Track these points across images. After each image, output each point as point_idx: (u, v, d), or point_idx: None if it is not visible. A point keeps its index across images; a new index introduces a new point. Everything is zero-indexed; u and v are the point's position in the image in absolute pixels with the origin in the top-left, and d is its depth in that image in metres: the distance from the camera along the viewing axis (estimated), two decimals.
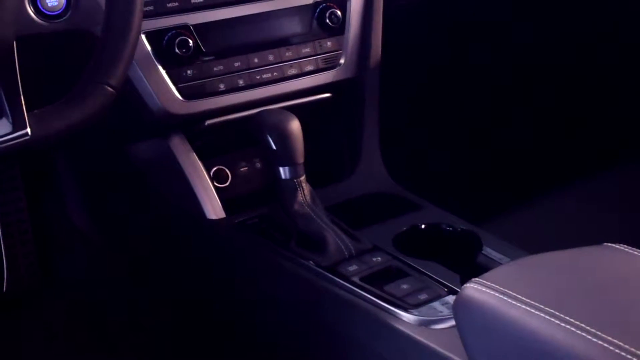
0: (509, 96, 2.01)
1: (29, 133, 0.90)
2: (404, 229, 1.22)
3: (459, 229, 1.23)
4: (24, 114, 0.90)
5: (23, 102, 0.90)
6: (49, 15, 1.07)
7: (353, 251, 1.14)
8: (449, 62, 1.96)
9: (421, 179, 1.43)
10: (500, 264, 1.13)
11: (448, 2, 1.81)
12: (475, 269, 1.13)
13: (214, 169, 1.29)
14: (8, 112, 0.90)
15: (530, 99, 2.01)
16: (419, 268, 1.12)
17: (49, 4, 1.07)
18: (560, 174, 1.70)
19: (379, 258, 1.14)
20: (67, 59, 1.15)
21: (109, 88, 0.95)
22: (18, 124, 0.90)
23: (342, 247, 1.14)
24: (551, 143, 1.96)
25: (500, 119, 2.00)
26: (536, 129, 1.99)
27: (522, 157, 1.95)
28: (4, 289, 1.52)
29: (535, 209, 1.51)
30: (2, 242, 1.50)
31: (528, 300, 0.79)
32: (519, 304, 0.79)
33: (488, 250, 1.17)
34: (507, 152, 1.96)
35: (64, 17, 1.08)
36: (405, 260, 1.14)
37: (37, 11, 1.06)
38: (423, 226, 1.24)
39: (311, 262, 1.13)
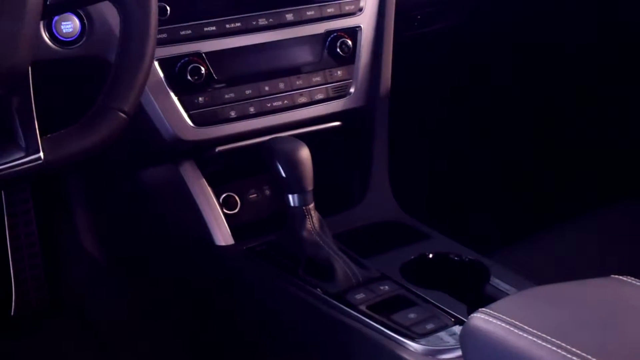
0: (519, 128, 2.01)
1: (42, 157, 0.91)
2: (412, 258, 1.22)
3: (467, 259, 1.23)
4: (37, 138, 0.91)
5: (37, 126, 0.91)
6: (63, 41, 1.09)
7: (361, 279, 1.14)
8: (459, 92, 1.97)
9: (430, 208, 1.43)
10: (507, 294, 1.13)
11: (458, 33, 1.82)
12: (482, 299, 1.13)
13: (224, 195, 1.30)
14: (22, 136, 0.90)
15: (540, 131, 2.01)
16: (426, 297, 1.12)
17: (64, 30, 1.08)
18: (569, 205, 1.70)
19: (387, 287, 1.14)
20: (80, 84, 1.16)
21: (122, 114, 0.96)
22: (31, 148, 0.90)
23: (350, 275, 1.14)
24: (561, 175, 1.96)
25: (509, 151, 2.01)
26: (546, 161, 1.99)
27: (530, 189, 1.96)
28: (12, 311, 1.52)
29: (543, 241, 1.51)
30: (11, 265, 1.50)
31: (535, 331, 0.79)
32: (526, 335, 0.79)
33: (495, 281, 1.17)
34: (516, 183, 1.96)
35: (79, 44, 1.10)
36: (413, 290, 1.14)
37: (52, 37, 1.08)
38: (431, 255, 1.24)
39: (319, 289, 1.14)
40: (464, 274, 1.22)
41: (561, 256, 1.45)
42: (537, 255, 1.44)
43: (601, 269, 0.95)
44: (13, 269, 1.50)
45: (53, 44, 1.08)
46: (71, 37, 1.09)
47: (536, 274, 1.14)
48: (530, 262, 1.37)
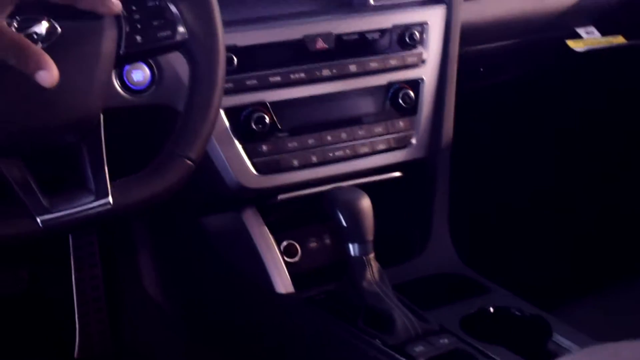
0: (583, 181, 1.99)
1: (111, 202, 0.93)
2: (472, 311, 1.21)
3: (529, 314, 1.21)
4: (107, 184, 0.93)
5: (107, 172, 0.94)
6: (134, 89, 1.11)
7: (420, 331, 1.13)
8: (521, 144, 1.96)
9: (491, 261, 1.42)
10: (569, 352, 1.11)
11: (522, 85, 1.82)
12: (543, 356, 1.11)
13: (285, 243, 1.30)
14: (92, 181, 0.93)
15: (606, 184, 1.98)
16: (487, 352, 1.11)
17: (135, 79, 1.11)
18: (634, 261, 1.66)
19: (446, 340, 1.13)
20: (148, 131, 1.19)
21: (189, 161, 0.98)
22: (101, 193, 0.92)
23: (409, 326, 1.13)
24: (628, 229, 1.92)
25: (572, 203, 1.98)
26: (611, 213, 1.96)
27: (595, 242, 1.92)
28: (75, 355, 1.54)
29: (608, 297, 1.48)
30: (76, 308, 1.52)
31: None
32: None
33: (558, 338, 1.15)
34: (579, 238, 1.93)
35: (148, 92, 1.12)
36: (473, 344, 1.13)
37: (123, 85, 1.10)
38: (492, 309, 1.22)
39: (378, 340, 1.13)
40: (525, 329, 1.20)
41: (626, 313, 1.41)
42: (601, 312, 1.41)
43: None
44: (78, 311, 1.52)
45: (124, 92, 1.10)
46: (141, 86, 1.11)
47: (600, 332, 1.11)
48: (594, 318, 1.35)
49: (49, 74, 0.83)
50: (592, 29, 1.68)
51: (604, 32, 1.67)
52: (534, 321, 1.20)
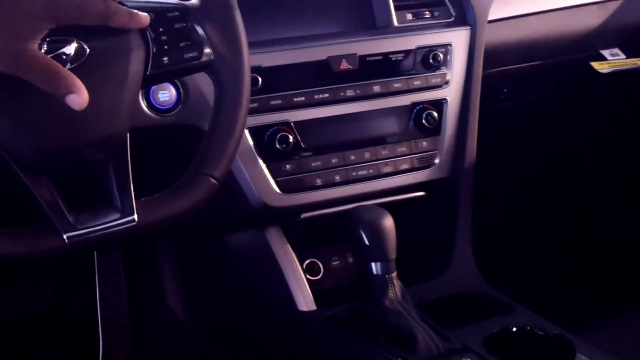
0: (606, 201, 1.98)
1: (136, 220, 0.94)
2: (495, 331, 1.21)
3: (552, 334, 1.21)
4: (132, 202, 0.94)
5: (132, 190, 0.95)
6: (160, 109, 1.13)
7: (442, 350, 1.13)
8: (543, 163, 1.96)
9: (514, 281, 1.42)
10: None
11: (545, 106, 1.82)
12: None
13: (307, 261, 1.31)
14: (118, 198, 0.94)
15: (630, 203, 1.97)
16: None
17: (161, 99, 1.12)
18: None
19: (469, 359, 1.13)
20: (173, 150, 1.20)
21: (213, 180, 0.99)
22: (126, 211, 0.93)
23: (432, 345, 1.13)
24: None
25: (597, 223, 1.97)
26: (637, 233, 1.94)
27: (620, 262, 1.91)
28: None
29: (633, 317, 1.47)
30: (99, 324, 1.54)
31: None
32: None
33: (581, 358, 1.15)
34: (605, 256, 1.92)
35: (174, 112, 1.13)
36: None
37: (150, 105, 1.12)
38: (514, 329, 1.22)
39: (400, 358, 1.13)
40: (548, 349, 1.20)
41: None
42: (625, 332, 1.40)
43: None
44: (101, 327, 1.53)
45: (150, 111, 1.11)
46: (167, 106, 1.13)
47: (623, 352, 1.11)
48: (618, 339, 1.34)
49: (79, 97, 0.84)
50: (617, 50, 1.68)
51: (629, 54, 1.67)
52: (557, 341, 1.20)
